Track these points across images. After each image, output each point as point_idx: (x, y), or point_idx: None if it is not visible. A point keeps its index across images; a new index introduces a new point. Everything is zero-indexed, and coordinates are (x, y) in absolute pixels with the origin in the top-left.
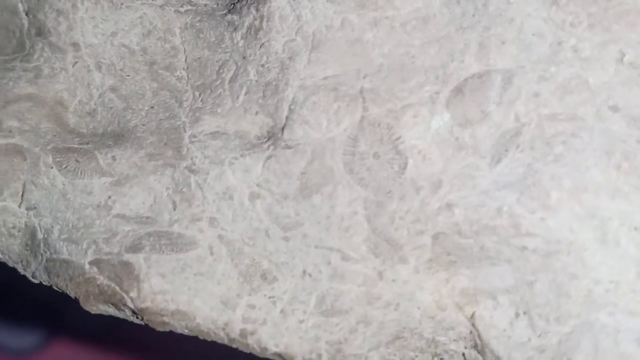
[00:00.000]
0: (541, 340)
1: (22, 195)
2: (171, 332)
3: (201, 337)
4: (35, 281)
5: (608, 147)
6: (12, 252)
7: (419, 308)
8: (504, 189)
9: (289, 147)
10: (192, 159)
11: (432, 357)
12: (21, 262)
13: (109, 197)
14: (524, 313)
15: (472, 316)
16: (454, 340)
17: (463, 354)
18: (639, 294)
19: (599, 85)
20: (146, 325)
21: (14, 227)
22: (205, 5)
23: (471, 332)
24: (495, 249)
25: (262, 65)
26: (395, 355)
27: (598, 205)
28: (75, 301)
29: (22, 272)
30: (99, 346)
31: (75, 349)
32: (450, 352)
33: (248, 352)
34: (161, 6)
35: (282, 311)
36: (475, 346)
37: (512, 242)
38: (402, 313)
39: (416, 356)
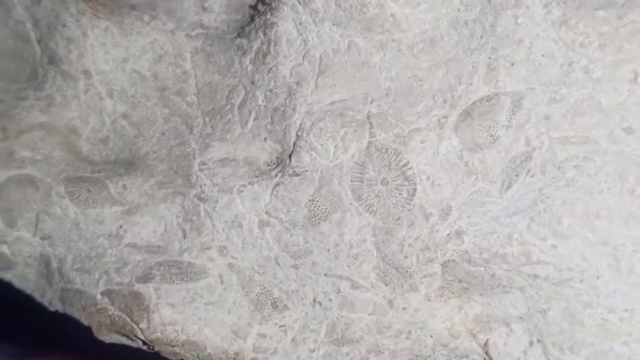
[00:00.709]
0: None
1: (36, 225)
2: None
3: None
4: (52, 309)
5: (622, 171)
6: (29, 281)
7: (431, 336)
8: (514, 215)
9: (297, 175)
10: (201, 187)
11: None
12: (38, 290)
13: (121, 226)
14: (538, 341)
15: (486, 344)
16: None
17: None
18: None
19: (612, 106)
20: None
21: (29, 257)
22: (216, 29)
23: None
24: (506, 276)
25: (270, 90)
26: None
27: (611, 231)
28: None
29: (40, 300)
30: (92, 356)
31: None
32: None
33: None
34: (172, 31)
35: (293, 340)
36: None
37: (523, 270)
38: (414, 341)
39: None
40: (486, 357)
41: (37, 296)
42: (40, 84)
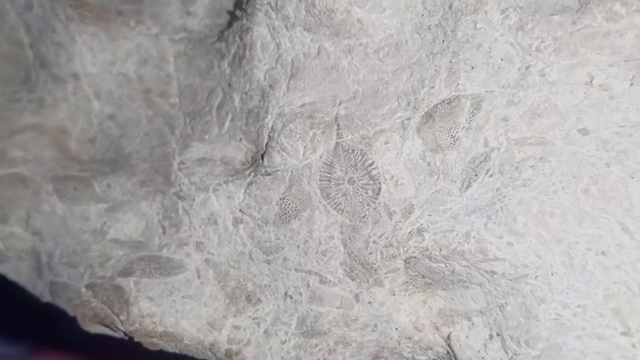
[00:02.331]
0: None
1: (27, 221)
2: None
3: (190, 355)
4: (44, 300)
5: (576, 171)
6: (22, 273)
7: (396, 329)
8: (473, 213)
9: (269, 174)
10: (179, 185)
11: None
12: (30, 282)
13: (105, 223)
14: (497, 335)
15: (449, 337)
16: (433, 359)
17: None
18: (606, 318)
19: (568, 108)
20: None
21: (22, 251)
22: (199, 33)
23: (448, 353)
24: (466, 272)
25: (246, 93)
26: None
27: (565, 229)
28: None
29: (32, 292)
30: (87, 355)
31: (64, 358)
32: None
33: None
34: (156, 35)
35: (265, 332)
36: None
37: (481, 266)
38: (380, 334)
39: None
40: (449, 350)
41: (30, 288)
42: (33, 86)
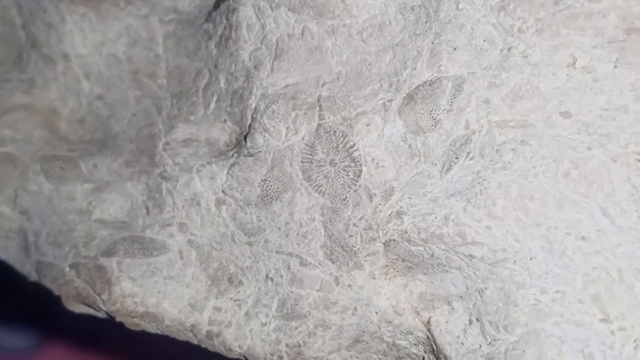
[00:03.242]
0: (490, 347)
1: (15, 200)
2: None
3: (172, 337)
4: (31, 279)
5: (557, 154)
6: (10, 253)
7: (376, 313)
8: (452, 197)
9: (251, 155)
10: (164, 166)
11: None
12: (18, 262)
13: (90, 203)
14: (477, 320)
15: (429, 322)
16: (414, 344)
17: (423, 358)
18: (585, 304)
19: (551, 90)
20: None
21: (10, 230)
22: (188, 14)
23: (428, 337)
24: (445, 256)
25: (231, 74)
26: (357, 357)
27: (544, 213)
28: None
29: (20, 271)
30: (93, 348)
31: (71, 350)
32: (412, 356)
33: (215, 352)
34: (145, 16)
35: (246, 314)
36: (432, 351)
37: (460, 250)
38: (360, 317)
39: (379, 359)
40: (429, 335)
41: (18, 267)
42: (24, 67)
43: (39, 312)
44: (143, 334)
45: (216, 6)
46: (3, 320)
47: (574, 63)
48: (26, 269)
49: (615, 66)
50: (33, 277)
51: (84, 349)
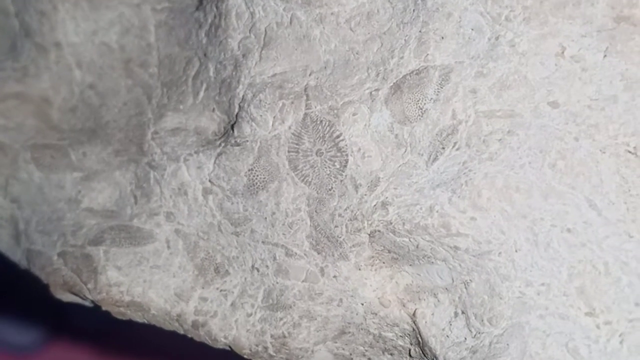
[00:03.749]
0: (475, 340)
1: (6, 188)
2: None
3: (158, 326)
4: (22, 267)
5: (544, 145)
6: (2, 241)
7: (362, 304)
8: (438, 187)
9: (238, 144)
10: (152, 155)
11: (383, 352)
12: (10, 250)
13: (79, 192)
14: (462, 312)
15: (414, 313)
16: (400, 336)
17: (409, 350)
18: (570, 297)
19: (539, 80)
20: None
21: (1, 218)
22: (181, 2)
23: (414, 329)
24: (430, 248)
25: (220, 62)
26: (344, 349)
27: (530, 204)
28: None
29: (13, 259)
30: (98, 345)
31: (75, 348)
32: (399, 348)
33: (201, 341)
34: (138, 5)
35: (232, 304)
36: (418, 343)
37: (445, 241)
38: (346, 309)
39: (366, 350)
40: (414, 327)
41: (10, 255)
42: (17, 55)
43: (43, 309)
44: (148, 332)
45: None
46: (7, 317)
47: (563, 52)
48: (17, 257)
49: (605, 55)
50: (24, 265)
51: (88, 346)
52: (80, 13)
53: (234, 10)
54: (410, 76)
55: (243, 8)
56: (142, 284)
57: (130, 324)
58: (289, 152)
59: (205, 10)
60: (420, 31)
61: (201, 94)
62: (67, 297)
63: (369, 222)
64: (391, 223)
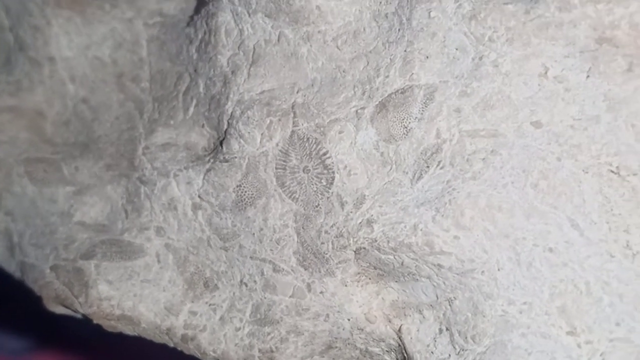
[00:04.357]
0: (459, 357)
1: (0, 202)
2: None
3: (148, 339)
4: (16, 278)
5: (527, 165)
6: None
7: (349, 320)
8: (422, 206)
9: (226, 161)
10: (142, 170)
11: None
12: (5, 261)
13: (72, 206)
14: (447, 329)
15: (400, 330)
16: (387, 351)
17: None
18: (552, 316)
19: (522, 100)
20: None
21: None
22: (173, 17)
23: (399, 345)
24: (414, 265)
25: (210, 79)
26: None
27: (512, 224)
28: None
29: (8, 270)
30: (89, 352)
31: (64, 355)
32: None
33: (190, 354)
34: (130, 19)
35: (221, 318)
36: (404, 359)
37: (428, 259)
38: (332, 324)
39: None
40: (400, 343)
41: (5, 266)
42: (11, 69)
43: (32, 316)
44: (138, 341)
45: (197, 10)
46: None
47: (546, 72)
48: (12, 268)
49: (588, 76)
50: (18, 277)
51: (77, 353)
52: (73, 28)
53: (223, 27)
54: (396, 95)
55: (232, 25)
56: (133, 297)
57: (121, 334)
58: (276, 168)
59: (195, 26)
60: (405, 50)
61: (191, 109)
62: (59, 309)
63: (355, 240)
64: (376, 241)
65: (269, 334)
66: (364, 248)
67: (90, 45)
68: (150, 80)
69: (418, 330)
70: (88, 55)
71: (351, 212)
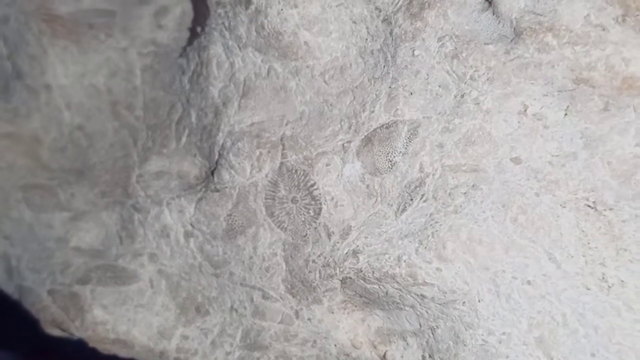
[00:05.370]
0: None
1: None
2: None
3: None
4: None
5: (506, 200)
6: None
7: (335, 345)
8: (406, 238)
9: (217, 190)
10: (136, 197)
11: None
12: (4, 284)
13: (68, 231)
14: (429, 356)
15: (384, 356)
16: None
17: None
18: (529, 346)
19: (502, 137)
20: None
21: None
22: (166, 46)
23: None
24: (398, 295)
25: (202, 109)
26: None
27: (492, 257)
28: None
29: (7, 292)
30: None
31: None
32: None
33: None
34: (124, 49)
35: (212, 343)
36: None
37: (412, 290)
38: (320, 350)
39: None
40: None
41: (4, 289)
42: (9, 97)
43: (20, 332)
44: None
45: (190, 42)
46: None
47: (525, 110)
48: (10, 291)
49: (566, 114)
50: (16, 298)
51: None
52: (69, 57)
53: (215, 59)
54: (381, 129)
55: (223, 58)
56: (127, 322)
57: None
58: (265, 199)
59: (188, 57)
60: (390, 87)
61: (183, 139)
62: (57, 332)
63: (341, 270)
64: (361, 271)
65: (258, 358)
66: (350, 278)
67: (85, 74)
68: (144, 108)
69: (402, 357)
70: (84, 83)
71: (338, 242)
